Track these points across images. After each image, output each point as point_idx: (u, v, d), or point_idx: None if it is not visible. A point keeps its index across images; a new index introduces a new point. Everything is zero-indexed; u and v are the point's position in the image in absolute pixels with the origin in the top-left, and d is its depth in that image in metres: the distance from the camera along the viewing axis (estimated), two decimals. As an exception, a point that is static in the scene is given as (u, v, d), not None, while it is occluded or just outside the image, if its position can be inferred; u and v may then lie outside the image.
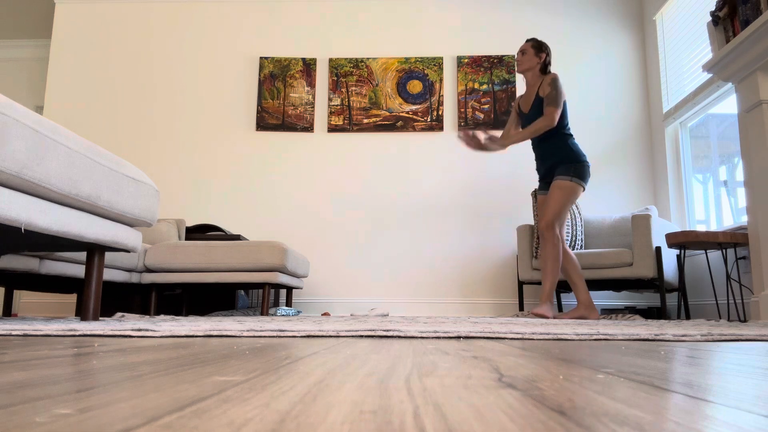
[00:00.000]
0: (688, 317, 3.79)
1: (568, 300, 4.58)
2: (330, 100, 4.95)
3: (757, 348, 1.03)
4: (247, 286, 3.70)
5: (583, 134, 4.83)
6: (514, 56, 4.94)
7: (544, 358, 0.77)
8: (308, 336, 1.25)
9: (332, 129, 4.90)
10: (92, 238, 2.04)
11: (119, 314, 2.91)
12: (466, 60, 4.95)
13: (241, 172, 4.88)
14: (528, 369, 0.63)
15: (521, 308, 4.25)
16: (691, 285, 4.17)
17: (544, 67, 3.45)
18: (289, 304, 4.27)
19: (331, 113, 4.93)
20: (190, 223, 4.80)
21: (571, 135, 3.36)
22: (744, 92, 3.12)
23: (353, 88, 4.96)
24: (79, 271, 3.03)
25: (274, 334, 1.26)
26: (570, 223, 4.08)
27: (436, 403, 0.40)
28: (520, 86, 4.92)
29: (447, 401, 0.41)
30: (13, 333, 1.29)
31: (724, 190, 3.98)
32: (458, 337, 1.26)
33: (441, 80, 4.94)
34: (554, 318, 3.15)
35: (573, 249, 4.06)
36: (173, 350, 0.86)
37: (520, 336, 1.24)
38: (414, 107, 4.91)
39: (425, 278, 4.66)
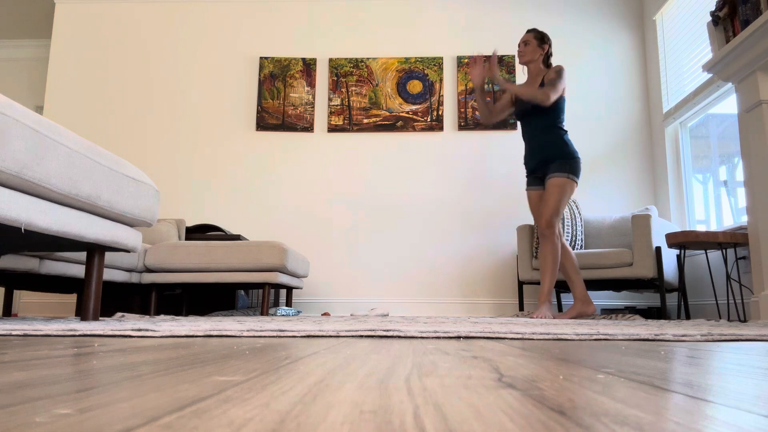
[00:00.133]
0: (688, 317, 3.79)
1: (568, 300, 4.58)
2: (330, 100, 4.95)
3: (757, 348, 1.03)
4: (247, 286, 3.70)
5: (583, 134, 4.83)
6: (514, 56, 4.94)
7: (544, 358, 0.77)
8: (308, 336, 1.25)
9: (332, 129, 4.90)
10: (92, 238, 2.04)
11: (119, 314, 2.91)
12: (466, 60, 4.95)
13: (241, 172, 4.88)
14: (528, 369, 0.63)
15: (521, 308, 4.25)
16: (691, 285, 4.17)
17: (547, 59, 3.44)
18: (289, 304, 4.27)
19: (331, 113, 4.93)
20: (190, 223, 4.80)
21: (566, 131, 3.35)
22: (744, 92, 3.12)
23: (353, 88, 4.96)
24: (79, 271, 3.03)
25: (274, 334, 1.26)
26: (570, 223, 4.08)
27: (436, 403, 0.40)
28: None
29: (447, 401, 0.41)
30: (13, 333, 1.29)
31: (724, 190, 3.98)
32: (458, 337, 1.26)
33: (441, 80, 4.94)
34: (554, 318, 3.15)
35: (573, 249, 4.06)
36: (173, 350, 0.86)
37: (520, 336, 1.24)
38: (414, 107, 4.91)
39: (425, 278, 4.66)
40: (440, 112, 4.89)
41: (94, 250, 2.21)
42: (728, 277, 3.36)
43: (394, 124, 4.89)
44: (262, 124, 4.93)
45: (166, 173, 4.90)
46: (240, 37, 5.10)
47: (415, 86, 4.94)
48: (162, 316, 3.00)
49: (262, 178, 4.87)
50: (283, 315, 3.61)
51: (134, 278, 3.57)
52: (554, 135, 3.29)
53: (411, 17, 5.09)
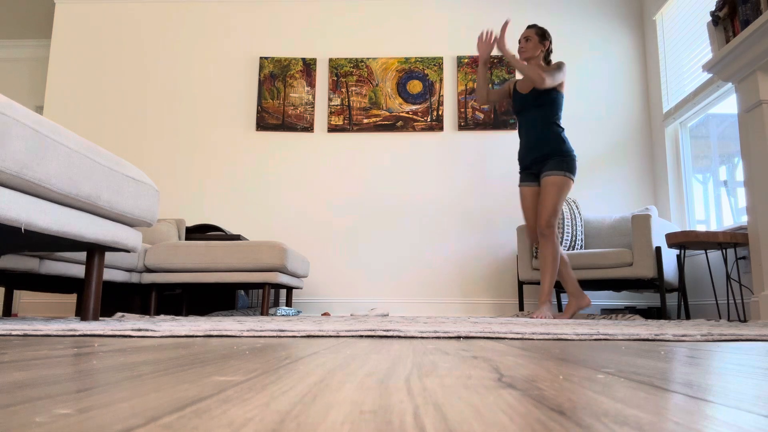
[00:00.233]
0: (688, 317, 3.79)
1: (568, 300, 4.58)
2: (330, 100, 4.95)
3: (757, 348, 1.03)
4: (247, 286, 3.70)
5: (583, 134, 4.83)
6: (514, 55, 4.93)
7: (544, 358, 0.77)
8: (308, 336, 1.25)
9: (332, 129, 4.90)
10: (92, 238, 2.04)
11: (119, 314, 2.91)
12: (466, 60, 4.95)
13: (241, 172, 4.88)
14: (528, 369, 0.63)
15: (521, 308, 4.25)
16: (691, 285, 4.17)
17: (547, 56, 3.43)
18: (289, 304, 4.27)
19: (331, 113, 4.93)
20: (190, 223, 4.80)
21: (563, 128, 3.35)
22: (744, 92, 3.12)
23: (353, 88, 4.96)
24: (79, 271, 3.03)
25: (274, 334, 1.26)
26: (570, 223, 4.08)
27: (436, 403, 0.40)
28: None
29: (447, 401, 0.41)
30: (13, 333, 1.29)
31: (724, 190, 3.98)
32: (458, 337, 1.26)
33: (441, 80, 4.94)
34: (554, 318, 3.15)
35: (573, 249, 4.06)
36: (173, 350, 0.86)
37: (520, 336, 1.24)
38: (414, 107, 4.91)
39: (425, 278, 4.66)
40: (440, 112, 4.89)
41: (94, 250, 2.21)
42: (728, 277, 3.36)
43: (394, 124, 4.89)
44: (262, 124, 4.93)
45: (166, 173, 4.90)
46: (240, 37, 5.10)
47: (415, 86, 4.94)
48: (162, 316, 3.00)
49: (262, 178, 4.87)
50: (283, 315, 3.61)
51: (134, 278, 3.57)
52: (552, 131, 3.27)
53: (411, 17, 5.09)
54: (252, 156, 4.91)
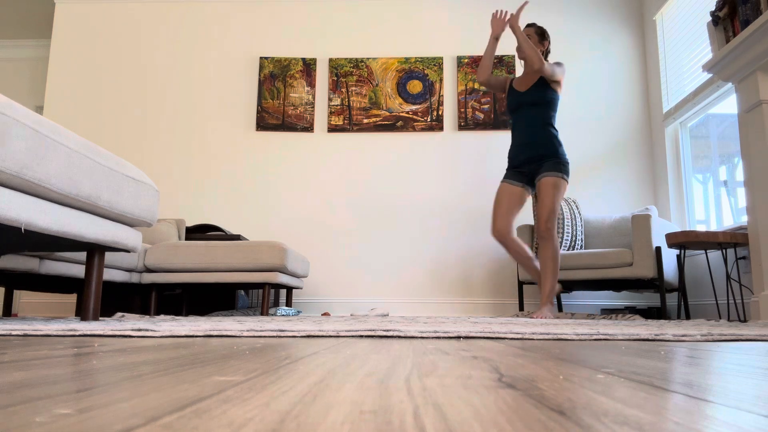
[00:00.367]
0: (688, 317, 3.79)
1: (568, 300, 4.58)
2: (330, 100, 4.95)
3: (757, 348, 1.03)
4: (247, 286, 3.70)
5: (583, 134, 4.83)
6: (513, 56, 4.94)
7: (544, 358, 0.77)
8: (308, 336, 1.25)
9: (332, 129, 4.90)
10: (92, 238, 2.04)
11: (119, 314, 2.91)
12: (466, 60, 4.95)
13: (241, 172, 4.88)
14: (528, 369, 0.63)
15: (521, 308, 4.25)
16: (691, 285, 4.17)
17: (545, 56, 3.43)
18: (289, 304, 4.27)
19: (331, 113, 4.93)
20: (190, 223, 4.80)
21: (558, 131, 3.36)
22: (744, 92, 3.12)
23: (353, 88, 4.96)
24: (79, 271, 3.03)
25: (274, 334, 1.26)
26: (570, 223, 4.08)
27: (436, 403, 0.40)
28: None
29: (447, 401, 0.41)
30: (13, 333, 1.29)
31: (724, 190, 3.98)
32: (458, 337, 1.26)
33: (441, 80, 4.94)
34: (555, 319, 3.15)
35: (573, 249, 4.07)
36: (173, 350, 0.86)
37: (520, 336, 1.24)
38: (414, 107, 4.91)
39: (425, 278, 4.66)
40: (440, 112, 4.89)
41: (94, 250, 2.21)
42: (728, 277, 3.36)
43: (394, 124, 4.89)
44: (262, 124, 4.93)
45: (166, 173, 4.90)
46: (240, 37, 5.10)
47: (415, 86, 4.94)
48: (162, 316, 3.01)
49: (262, 178, 4.87)
50: (283, 315, 3.61)
51: (134, 278, 3.57)
52: (548, 132, 3.27)
53: (411, 17, 5.09)
54: (252, 156, 4.91)
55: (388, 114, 4.91)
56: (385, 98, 4.93)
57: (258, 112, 4.95)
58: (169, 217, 4.82)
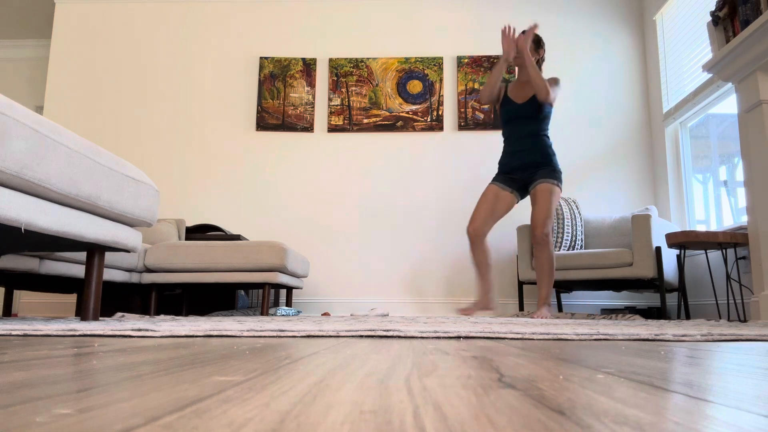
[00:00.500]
0: (688, 317, 3.79)
1: (568, 300, 4.58)
2: (330, 100, 4.95)
3: (757, 348, 1.03)
4: (247, 286, 3.70)
5: (584, 134, 4.83)
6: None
7: (544, 358, 0.77)
8: (308, 336, 1.25)
9: (332, 129, 4.90)
10: (92, 238, 2.04)
11: (119, 314, 2.91)
12: (466, 60, 4.95)
13: (242, 172, 4.88)
14: (528, 369, 0.63)
15: (521, 308, 4.25)
16: (691, 285, 4.17)
17: (538, 64, 3.44)
18: (289, 304, 4.27)
19: (331, 113, 4.93)
20: (190, 223, 4.80)
21: (552, 141, 3.39)
22: (744, 92, 3.12)
23: (353, 88, 4.96)
24: (79, 271, 3.03)
25: (274, 334, 1.26)
26: (570, 223, 4.08)
27: (436, 403, 0.40)
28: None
29: (447, 401, 0.41)
30: (13, 333, 1.29)
31: (724, 190, 3.98)
32: (458, 337, 1.26)
33: (441, 80, 4.94)
34: (554, 318, 3.15)
35: (573, 249, 4.07)
36: (173, 350, 0.86)
37: (520, 336, 1.24)
38: (414, 107, 4.91)
39: (425, 278, 4.66)
40: (440, 112, 4.89)
41: (94, 250, 2.21)
42: (728, 277, 3.36)
43: (394, 124, 4.89)
44: (262, 124, 4.93)
45: (166, 173, 4.90)
46: (240, 37, 5.10)
47: (415, 86, 4.94)
48: (162, 316, 3.00)
49: (262, 178, 4.87)
50: (283, 315, 3.61)
51: (134, 278, 3.57)
52: (544, 142, 3.33)
53: (411, 17, 5.09)
54: (252, 156, 4.91)
55: (388, 114, 4.91)
56: (385, 98, 4.93)
57: (258, 112, 4.95)
58: (169, 217, 4.82)
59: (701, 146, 4.33)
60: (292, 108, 4.95)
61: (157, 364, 0.65)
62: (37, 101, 5.74)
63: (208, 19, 5.14)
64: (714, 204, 4.12)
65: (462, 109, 4.87)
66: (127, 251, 2.32)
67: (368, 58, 5.00)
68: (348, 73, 4.98)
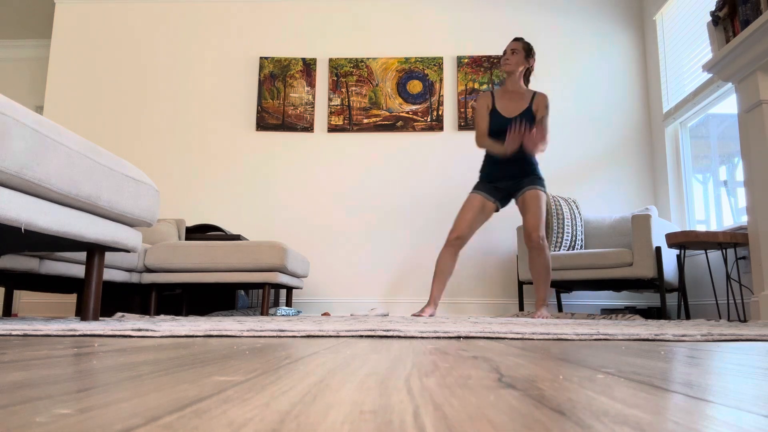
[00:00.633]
0: (688, 317, 3.79)
1: (568, 300, 4.58)
2: (330, 100, 4.95)
3: (757, 348, 1.03)
4: (247, 286, 3.70)
5: (584, 134, 4.83)
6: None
7: (544, 358, 0.77)
8: (308, 336, 1.25)
9: (332, 129, 4.90)
10: (92, 238, 2.04)
11: (119, 314, 2.91)
12: (466, 60, 4.95)
13: (241, 172, 4.88)
14: (528, 369, 0.63)
15: (521, 308, 4.25)
16: (691, 285, 4.17)
17: (527, 74, 3.45)
18: (289, 304, 4.27)
19: (331, 113, 4.93)
20: (190, 223, 4.80)
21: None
22: (744, 92, 3.12)
23: (353, 88, 4.96)
24: (79, 271, 3.03)
25: (274, 334, 1.26)
26: (570, 223, 4.08)
27: (436, 402, 0.40)
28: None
29: (447, 401, 0.41)
30: (13, 333, 1.29)
31: (724, 190, 3.98)
32: (458, 337, 1.26)
33: (441, 80, 4.94)
34: (554, 318, 3.15)
35: (573, 249, 4.07)
36: (173, 350, 0.86)
37: (520, 336, 1.24)
38: (414, 107, 4.91)
39: (425, 278, 4.66)
40: (440, 112, 4.89)
41: (94, 250, 2.21)
42: (728, 277, 3.36)
43: (394, 124, 4.89)
44: (262, 124, 4.93)
45: (166, 173, 4.90)
46: (240, 37, 5.10)
47: (415, 86, 4.94)
48: (162, 316, 3.00)
49: (262, 178, 4.87)
50: (283, 315, 3.61)
51: (134, 278, 3.57)
52: (529, 154, 3.34)
53: (411, 17, 5.09)
54: (252, 156, 4.91)
55: (388, 114, 4.91)
56: (385, 98, 4.93)
57: (258, 112, 4.95)
58: (169, 217, 4.82)
59: (701, 146, 4.33)
60: (292, 108, 4.95)
61: (157, 364, 0.65)
62: (37, 101, 5.74)
63: (208, 19, 5.14)
64: (714, 204, 4.12)
65: (462, 109, 4.87)
66: (127, 251, 2.32)
67: (368, 58, 5.00)
68: (348, 73, 4.98)
